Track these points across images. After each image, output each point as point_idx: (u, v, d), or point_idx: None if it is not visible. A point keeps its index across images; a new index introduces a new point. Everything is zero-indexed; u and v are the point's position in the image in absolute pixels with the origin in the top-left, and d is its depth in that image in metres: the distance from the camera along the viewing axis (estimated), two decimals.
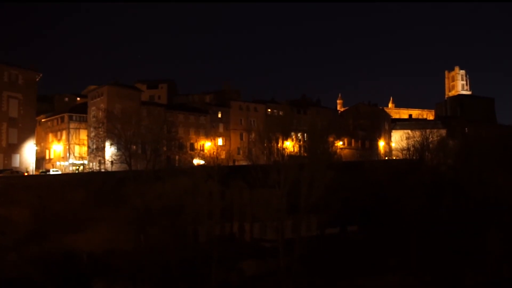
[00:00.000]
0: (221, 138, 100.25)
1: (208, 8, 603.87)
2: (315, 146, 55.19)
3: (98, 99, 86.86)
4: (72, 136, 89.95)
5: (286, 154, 50.70)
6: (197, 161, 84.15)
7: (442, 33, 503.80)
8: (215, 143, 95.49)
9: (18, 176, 62.91)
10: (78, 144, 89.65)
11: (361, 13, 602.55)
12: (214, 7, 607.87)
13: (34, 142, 74.52)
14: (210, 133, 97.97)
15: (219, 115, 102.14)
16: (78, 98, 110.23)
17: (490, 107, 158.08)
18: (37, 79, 75.71)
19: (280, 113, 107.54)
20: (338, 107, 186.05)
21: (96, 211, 51.67)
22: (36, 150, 78.04)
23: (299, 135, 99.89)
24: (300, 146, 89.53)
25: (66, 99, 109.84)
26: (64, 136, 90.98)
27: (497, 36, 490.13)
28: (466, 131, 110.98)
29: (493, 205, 59.94)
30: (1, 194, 52.34)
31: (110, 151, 75.67)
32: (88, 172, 76.66)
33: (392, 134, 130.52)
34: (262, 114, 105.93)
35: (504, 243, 55.12)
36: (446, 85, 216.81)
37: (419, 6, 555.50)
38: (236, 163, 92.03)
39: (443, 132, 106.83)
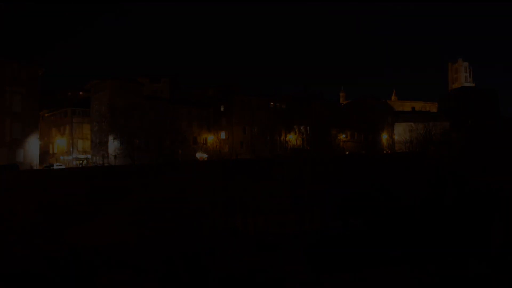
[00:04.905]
0: (224, 132, 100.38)
1: (210, 6, 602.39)
2: (318, 139, 55.15)
3: (101, 93, 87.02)
4: (75, 130, 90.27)
5: (289, 147, 50.79)
6: (200, 155, 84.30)
7: (445, 25, 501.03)
8: (218, 137, 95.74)
9: (20, 170, 62.93)
10: (82, 139, 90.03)
11: (365, 7, 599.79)
12: (216, 4, 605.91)
13: (38, 136, 74.76)
14: (213, 127, 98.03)
15: (222, 109, 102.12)
16: (81, 93, 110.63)
17: (493, 99, 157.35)
18: (40, 74, 75.79)
19: (283, 106, 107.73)
20: (341, 100, 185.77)
21: (99, 205, 51.94)
22: (40, 145, 78.29)
23: (302, 128, 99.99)
24: (303, 139, 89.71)
25: (69, 93, 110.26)
26: (67, 131, 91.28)
27: (499, 28, 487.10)
28: (470, 123, 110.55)
29: (496, 197, 59.90)
30: (6, 188, 52.66)
31: (113, 145, 76.03)
32: (92, 166, 76.93)
33: (395, 127, 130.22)
34: (265, 108, 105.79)
35: (507, 235, 55.10)
36: (449, 78, 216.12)
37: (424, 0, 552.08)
38: (239, 157, 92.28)
39: (446, 124, 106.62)
